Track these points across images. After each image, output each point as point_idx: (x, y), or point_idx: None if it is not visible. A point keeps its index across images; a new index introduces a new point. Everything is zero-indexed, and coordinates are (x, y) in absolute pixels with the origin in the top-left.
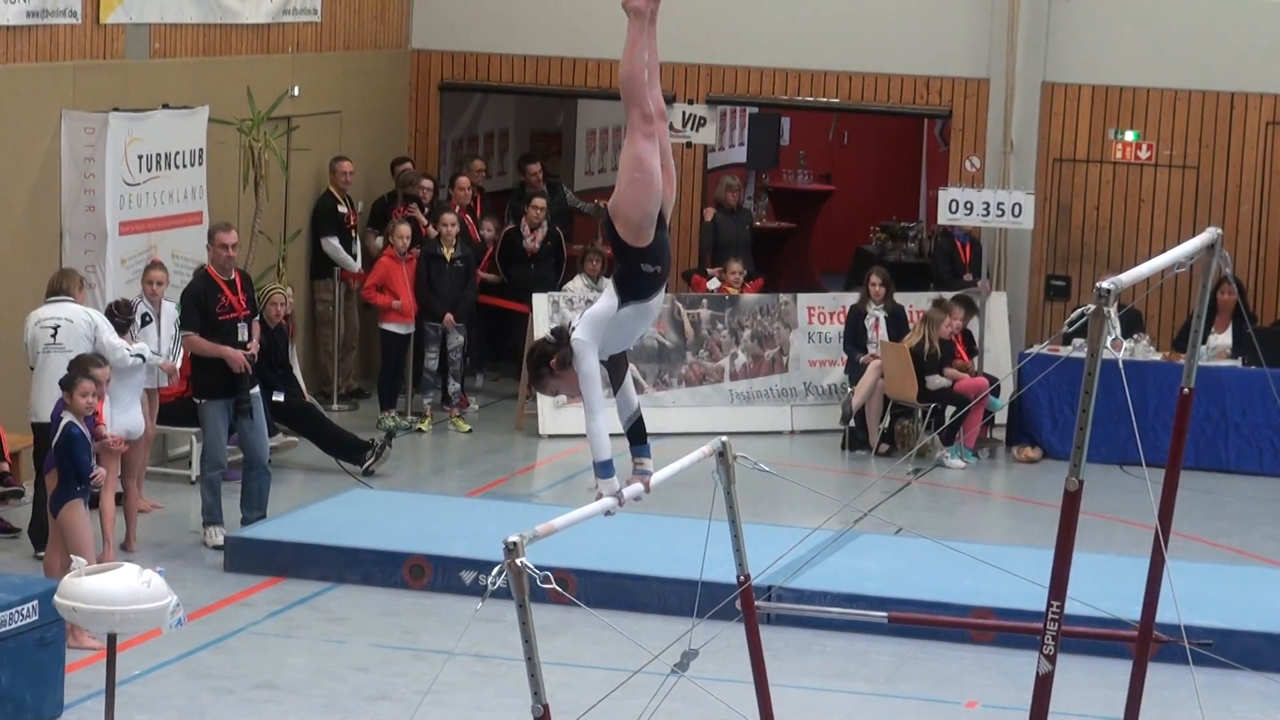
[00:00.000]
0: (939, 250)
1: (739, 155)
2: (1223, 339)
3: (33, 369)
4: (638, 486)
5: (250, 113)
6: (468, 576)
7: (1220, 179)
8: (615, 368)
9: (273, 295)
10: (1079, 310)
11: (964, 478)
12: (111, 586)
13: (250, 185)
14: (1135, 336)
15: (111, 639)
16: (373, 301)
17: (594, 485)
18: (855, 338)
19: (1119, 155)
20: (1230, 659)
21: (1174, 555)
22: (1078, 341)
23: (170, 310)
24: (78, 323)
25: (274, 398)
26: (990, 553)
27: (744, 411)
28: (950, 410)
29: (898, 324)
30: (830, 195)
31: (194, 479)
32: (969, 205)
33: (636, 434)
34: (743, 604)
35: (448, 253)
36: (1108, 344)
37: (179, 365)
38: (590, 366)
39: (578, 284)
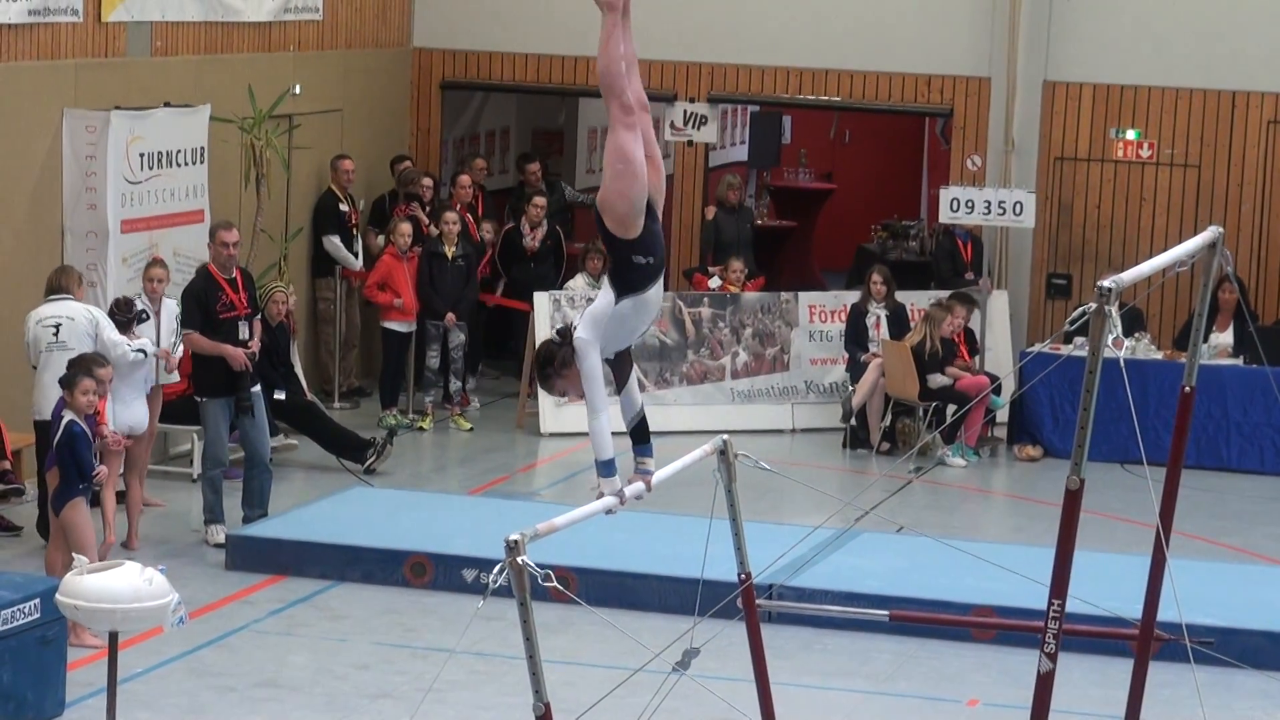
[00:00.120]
0: (940, 249)
1: (740, 154)
2: (1224, 338)
3: (35, 368)
4: (639, 485)
5: (252, 111)
6: (469, 575)
7: (1221, 178)
8: (620, 366)
9: (274, 293)
10: (1080, 309)
11: (965, 476)
12: (113, 585)
13: (252, 183)
14: (1136, 335)
15: (113, 637)
16: (374, 300)
17: (596, 484)
18: (856, 336)
19: (1120, 154)
20: (1231, 657)
21: (1175, 554)
22: (1079, 340)
23: (170, 307)
24: (79, 320)
25: (275, 396)
26: (991, 551)
27: (745, 410)
28: (951, 409)
29: (899, 322)
30: (831, 194)
31: (195, 477)
32: (970, 204)
33: (639, 433)
34: (744, 602)
35: (449, 251)
36: (1109, 343)
37: (178, 356)
38: (592, 365)
39: (579, 282)
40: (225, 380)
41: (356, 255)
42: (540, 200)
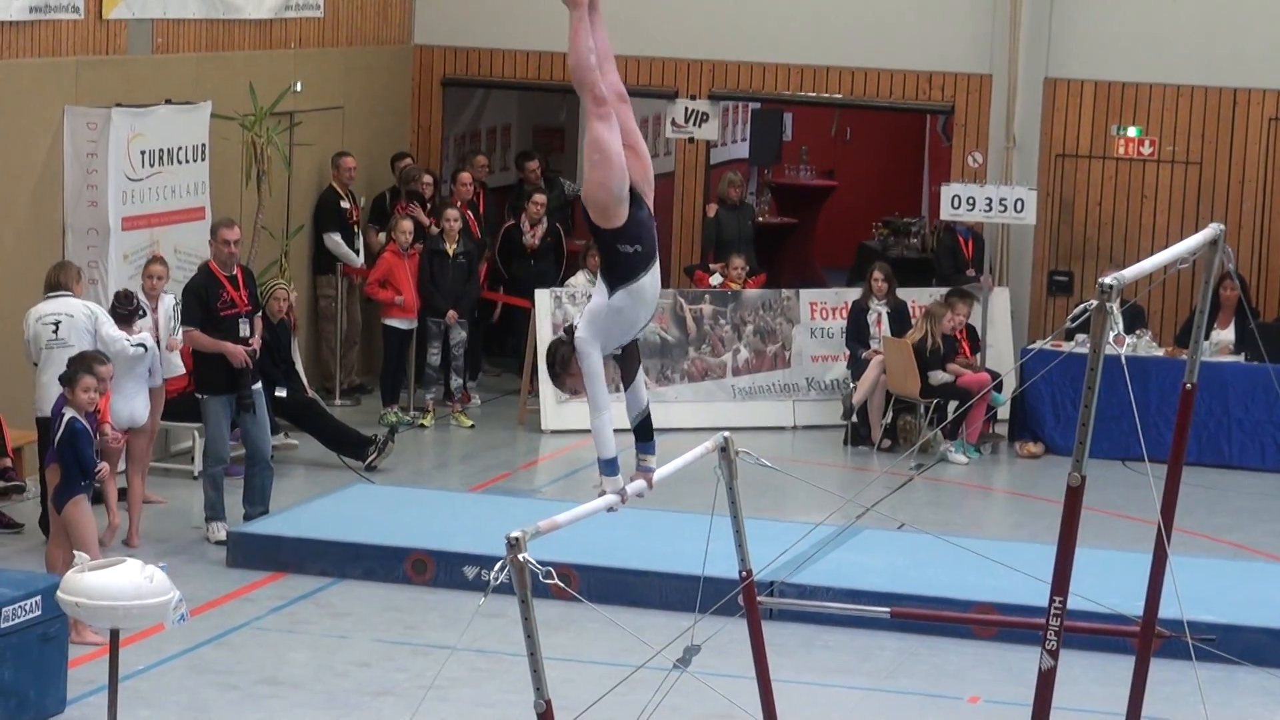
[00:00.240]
0: (942, 246)
1: (741, 151)
2: (1225, 335)
3: (36, 365)
4: (640, 483)
5: (253, 108)
6: (470, 572)
7: (1223, 175)
8: (626, 362)
9: (275, 290)
10: (1081, 306)
11: (966, 473)
12: (114, 582)
13: (253, 181)
14: (1138, 332)
15: (114, 634)
16: (375, 297)
17: (598, 482)
18: (858, 333)
19: (1121, 151)
20: (1233, 654)
21: (1176, 551)
22: (1080, 337)
23: (168, 302)
24: (78, 317)
25: (276, 393)
26: (993, 548)
27: (746, 407)
28: (953, 405)
29: (900, 319)
30: (833, 191)
31: (196, 474)
32: (971, 201)
33: (643, 430)
34: (745, 599)
35: (450, 248)
36: (1110, 339)
37: (179, 338)
38: (593, 364)
39: (580, 279)
40: (226, 377)
41: (358, 252)
42: (540, 197)
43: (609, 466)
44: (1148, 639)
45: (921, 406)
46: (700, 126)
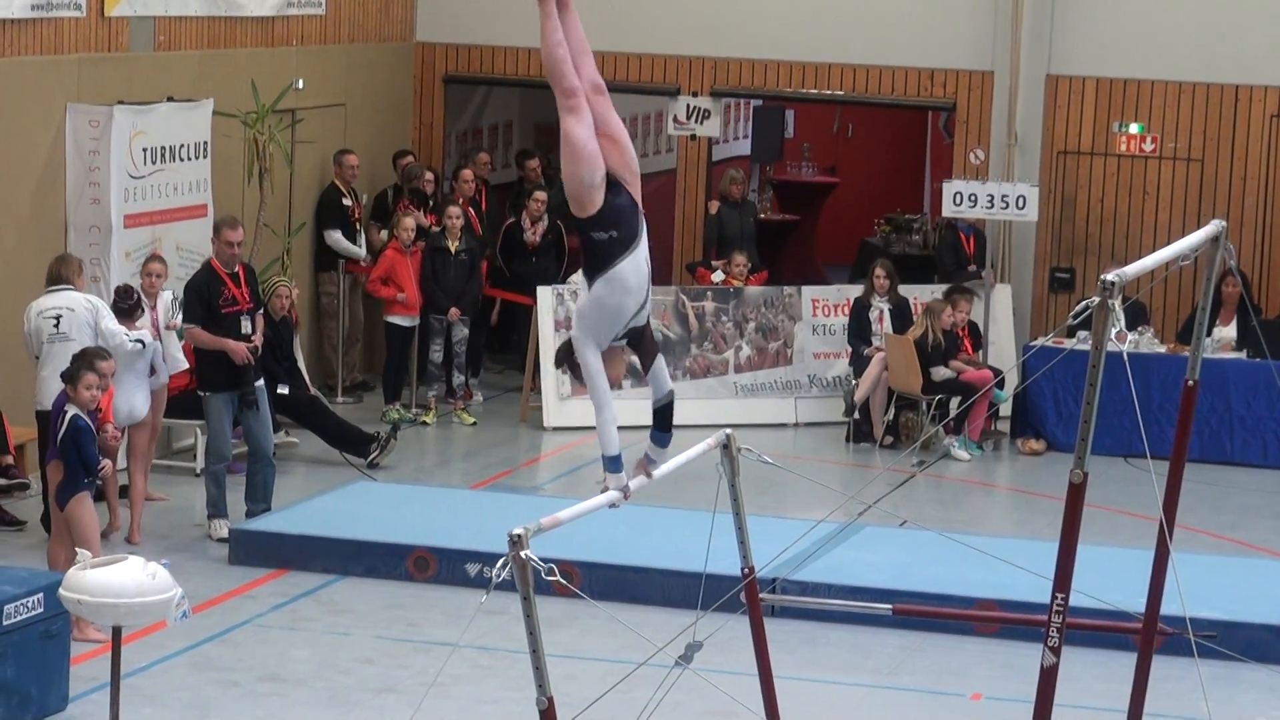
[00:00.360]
0: (943, 242)
1: (743, 148)
2: (1227, 331)
3: (37, 359)
4: (640, 478)
5: (255, 106)
6: (472, 569)
7: (1225, 172)
8: (641, 349)
9: (278, 288)
10: (1083, 303)
11: (968, 470)
12: (116, 579)
13: (254, 178)
14: (1140, 329)
15: (116, 632)
16: (377, 294)
17: (602, 479)
18: (859, 330)
19: (1123, 148)
20: (1235, 651)
21: (1178, 547)
22: (1082, 334)
23: (166, 299)
24: (79, 310)
25: (279, 391)
26: (995, 545)
27: (748, 404)
28: (955, 402)
29: (902, 316)
30: (835, 188)
31: (199, 472)
32: (973, 198)
33: (660, 418)
34: (747, 596)
35: (452, 246)
36: (1112, 336)
37: (179, 321)
38: (587, 362)
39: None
40: (228, 375)
41: (360, 248)
42: (541, 195)
43: (612, 464)
44: (1150, 636)
45: (923, 403)
46: (702, 123)
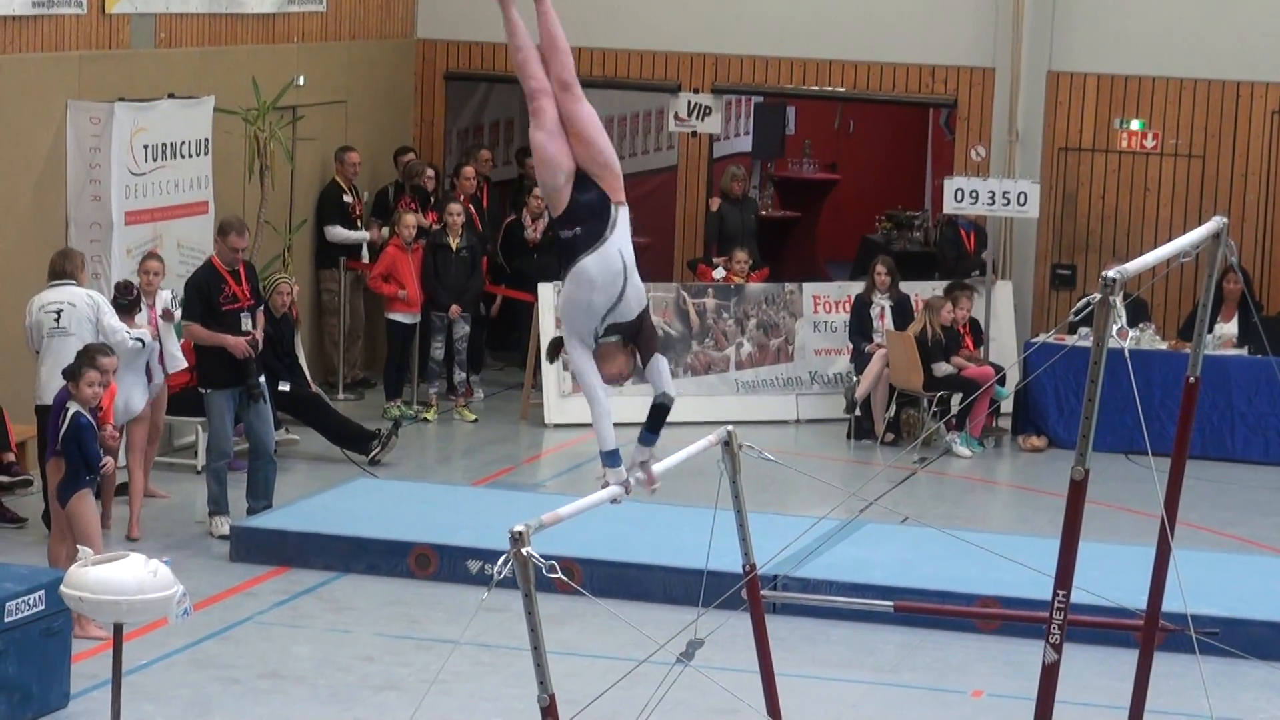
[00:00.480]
0: (944, 239)
1: (744, 144)
2: (1228, 328)
3: (38, 353)
4: (639, 475)
5: (256, 102)
6: (474, 566)
7: (1226, 168)
8: (639, 345)
9: (279, 285)
10: (1085, 299)
11: (970, 467)
12: (118, 576)
13: (255, 175)
14: (1141, 325)
15: (118, 629)
16: (379, 291)
17: (601, 475)
18: (860, 327)
19: (1124, 144)
20: (1236, 648)
21: (1180, 544)
22: (1083, 330)
23: (164, 297)
24: (80, 306)
25: (280, 387)
26: (996, 542)
27: (749, 401)
28: (956, 399)
29: (903, 313)
30: (836, 184)
31: (200, 469)
32: (974, 194)
33: (651, 418)
34: (748, 593)
35: (453, 243)
36: (1113, 333)
37: (178, 312)
38: (575, 359)
39: None
40: (229, 371)
41: (360, 247)
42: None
43: (610, 459)
44: (1151, 633)
45: (925, 400)
46: (703, 120)
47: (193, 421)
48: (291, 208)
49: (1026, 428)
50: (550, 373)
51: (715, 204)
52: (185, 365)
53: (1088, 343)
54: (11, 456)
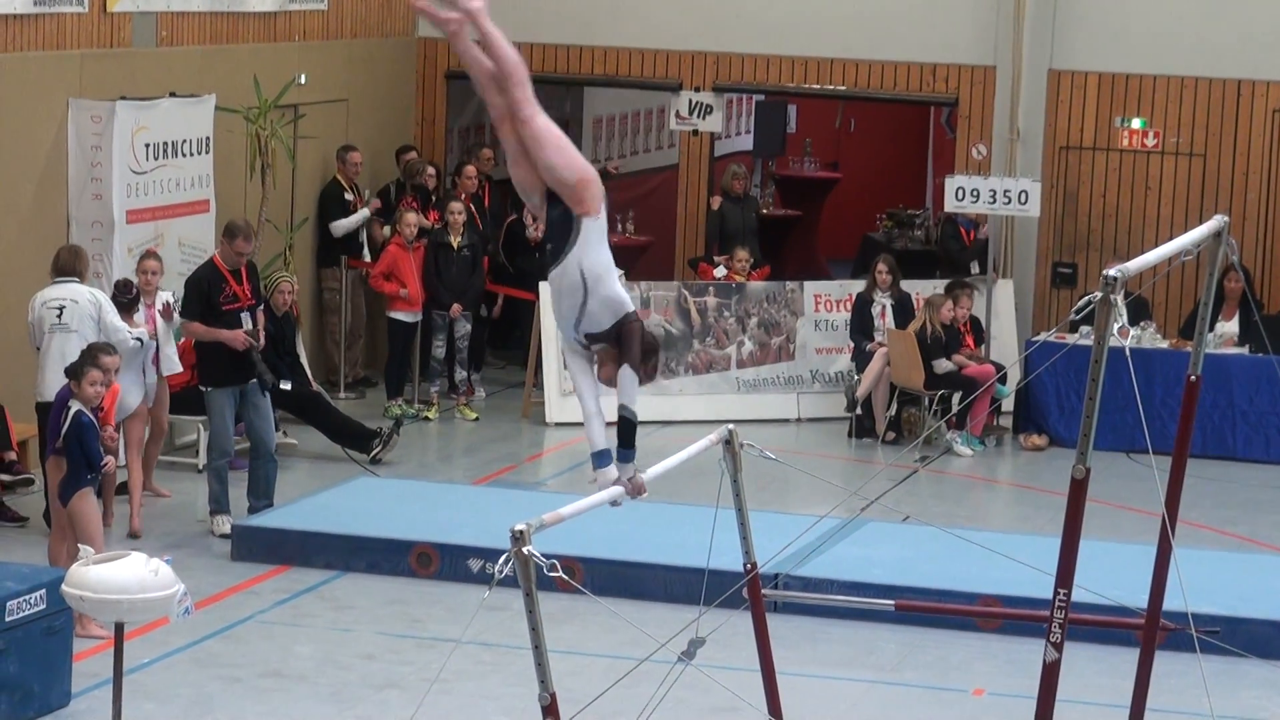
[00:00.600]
0: (945, 235)
1: (745, 143)
2: (1229, 326)
3: (39, 349)
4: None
5: (257, 101)
6: (475, 564)
7: (1227, 166)
8: (619, 348)
9: (280, 284)
10: (1086, 298)
11: (971, 465)
12: (119, 575)
13: (257, 173)
14: (1142, 324)
15: (119, 628)
16: (380, 289)
17: (594, 477)
18: (862, 325)
19: (1125, 143)
20: (1237, 647)
21: (1181, 543)
22: (1084, 329)
23: (165, 298)
24: (83, 303)
25: (281, 386)
26: (997, 540)
27: (750, 399)
28: (957, 397)
29: (904, 311)
30: (837, 183)
31: (201, 468)
32: (975, 193)
33: (619, 434)
34: (749, 592)
35: (455, 241)
36: (1114, 331)
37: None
38: (569, 362)
39: None
40: (230, 369)
41: (361, 245)
42: None
43: (598, 459)
44: (1152, 631)
45: (926, 399)
46: (704, 119)
47: (194, 420)
48: (293, 206)
49: (1027, 426)
50: (551, 371)
51: (716, 202)
52: (180, 369)
53: (1089, 341)
54: (13, 455)
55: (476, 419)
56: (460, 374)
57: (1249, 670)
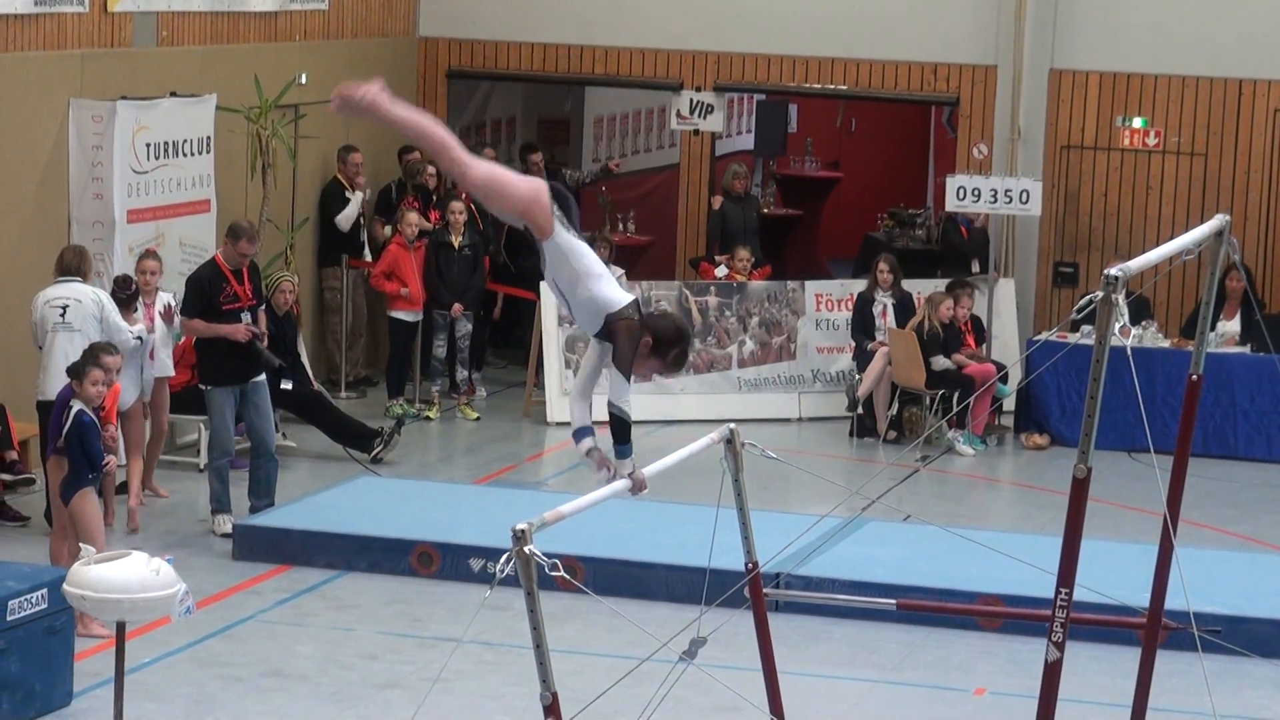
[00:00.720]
0: (946, 235)
1: (746, 142)
2: (1231, 326)
3: (41, 348)
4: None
5: (258, 101)
6: (476, 564)
7: (1228, 166)
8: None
9: (281, 283)
10: (1087, 297)
11: (972, 465)
12: (120, 575)
13: (258, 173)
14: (1143, 323)
15: (120, 627)
16: (381, 289)
17: (583, 452)
18: (863, 325)
19: (1127, 142)
20: (1239, 646)
21: (1182, 542)
22: (1086, 328)
23: (165, 299)
24: (86, 303)
25: (282, 386)
26: (998, 539)
27: (752, 399)
28: (958, 396)
29: (905, 311)
30: (838, 182)
31: (202, 467)
32: (976, 192)
33: (611, 431)
34: (751, 591)
35: (456, 241)
36: (1116, 331)
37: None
38: (591, 346)
39: None
40: (231, 368)
41: (362, 245)
42: None
43: (577, 435)
44: (1154, 631)
45: (927, 398)
46: (705, 118)
47: (194, 420)
48: (294, 206)
49: (1029, 425)
50: (552, 371)
51: (717, 202)
52: (173, 374)
53: (1090, 341)
54: (14, 455)
55: (477, 418)
56: (461, 373)
57: (1251, 669)
